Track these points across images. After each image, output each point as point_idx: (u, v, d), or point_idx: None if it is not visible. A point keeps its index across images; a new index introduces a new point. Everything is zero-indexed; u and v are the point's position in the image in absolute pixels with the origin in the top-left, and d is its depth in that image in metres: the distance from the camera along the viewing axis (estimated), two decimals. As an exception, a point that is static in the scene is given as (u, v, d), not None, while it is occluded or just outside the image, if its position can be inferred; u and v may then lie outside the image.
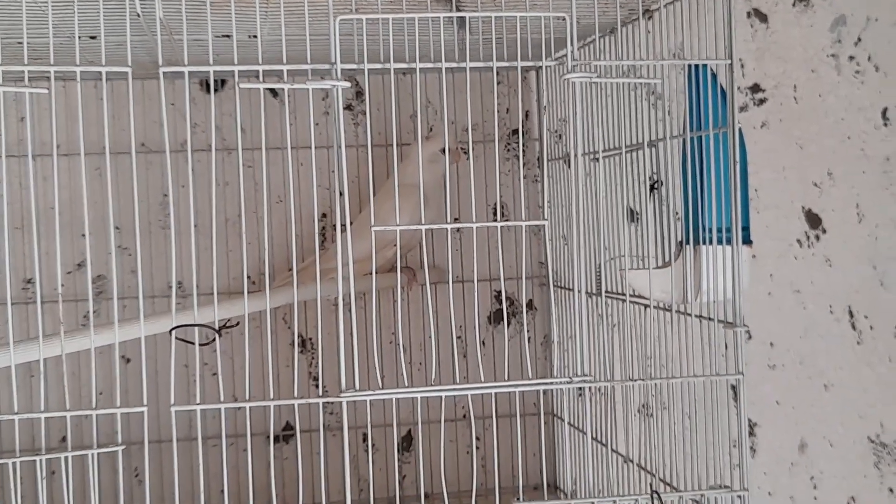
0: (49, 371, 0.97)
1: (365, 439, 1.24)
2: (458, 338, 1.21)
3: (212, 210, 0.82)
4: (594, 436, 0.92)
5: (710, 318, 0.88)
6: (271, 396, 0.82)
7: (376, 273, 1.14)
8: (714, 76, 0.87)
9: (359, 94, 1.23)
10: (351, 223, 1.12)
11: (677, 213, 0.93)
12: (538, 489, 1.23)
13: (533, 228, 1.22)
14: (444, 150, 1.15)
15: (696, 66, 0.87)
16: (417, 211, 1.07)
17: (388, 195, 1.03)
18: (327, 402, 1.23)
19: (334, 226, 0.95)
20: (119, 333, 0.83)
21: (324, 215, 1.21)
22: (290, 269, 1.11)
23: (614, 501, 0.87)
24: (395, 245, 1.10)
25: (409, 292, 1.20)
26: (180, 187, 1.13)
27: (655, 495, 0.85)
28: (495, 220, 1.19)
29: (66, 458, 0.80)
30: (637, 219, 0.99)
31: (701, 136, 0.87)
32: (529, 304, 1.26)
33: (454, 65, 0.82)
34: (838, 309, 1.24)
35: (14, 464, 0.80)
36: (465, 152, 1.14)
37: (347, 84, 0.80)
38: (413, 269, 1.16)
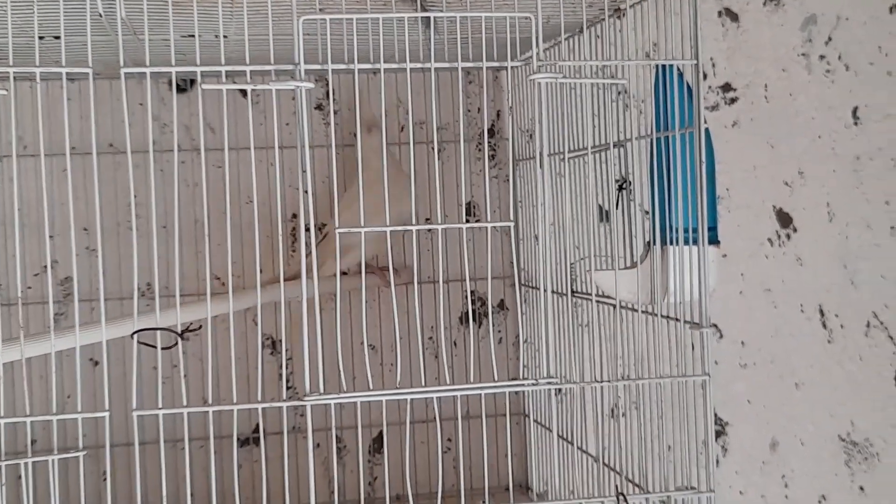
0: (16, 375, 0.96)
1: (339, 440, 1.24)
2: (430, 338, 1.21)
3: (175, 211, 0.82)
4: (563, 435, 0.92)
5: (677, 319, 0.87)
6: (235, 400, 0.82)
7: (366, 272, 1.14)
8: (681, 76, 0.87)
9: (329, 93, 1.23)
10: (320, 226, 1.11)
11: (647, 212, 0.93)
12: (508, 490, 1.23)
13: (504, 228, 1.22)
14: (369, 129, 1.11)
15: (664, 66, 0.87)
16: (397, 207, 1.05)
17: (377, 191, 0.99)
18: (296, 405, 1.22)
19: (307, 227, 0.94)
20: (81, 337, 0.83)
21: (294, 216, 1.21)
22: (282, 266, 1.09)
23: (580, 503, 0.86)
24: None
25: (380, 293, 1.20)
26: (148, 189, 1.12)
27: (621, 497, 0.85)
28: (464, 221, 1.19)
29: (26, 463, 0.80)
30: (609, 218, 0.99)
31: (668, 137, 0.87)
32: (501, 305, 1.26)
33: (419, 65, 0.81)
34: (809, 308, 1.24)
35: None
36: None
37: (311, 85, 0.79)
38: (384, 271, 1.15)
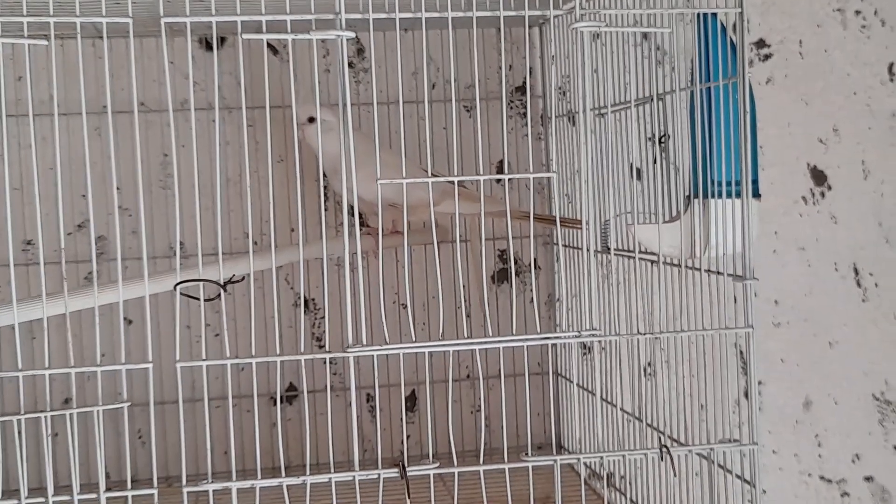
0: (51, 332, 0.96)
1: (369, 399, 1.24)
2: (463, 297, 1.21)
3: (216, 170, 0.82)
4: (592, 391, 0.92)
5: (718, 273, 0.87)
6: (279, 352, 0.82)
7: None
8: (724, 28, 0.86)
9: (360, 51, 1.22)
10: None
11: (678, 170, 0.92)
12: (542, 448, 1.23)
13: (537, 187, 1.21)
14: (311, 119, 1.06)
15: (705, 17, 0.86)
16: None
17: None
18: (331, 363, 1.22)
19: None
20: (123, 292, 0.83)
21: (325, 174, 1.21)
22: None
23: (623, 456, 0.87)
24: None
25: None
26: (181, 147, 1.11)
27: (664, 449, 0.85)
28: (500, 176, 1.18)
29: (70, 414, 0.80)
30: (641, 175, 0.99)
31: (710, 88, 0.86)
32: (534, 263, 1.26)
33: (461, 14, 0.81)
34: (843, 266, 1.23)
35: (19, 421, 0.79)
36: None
37: (352, 34, 0.79)
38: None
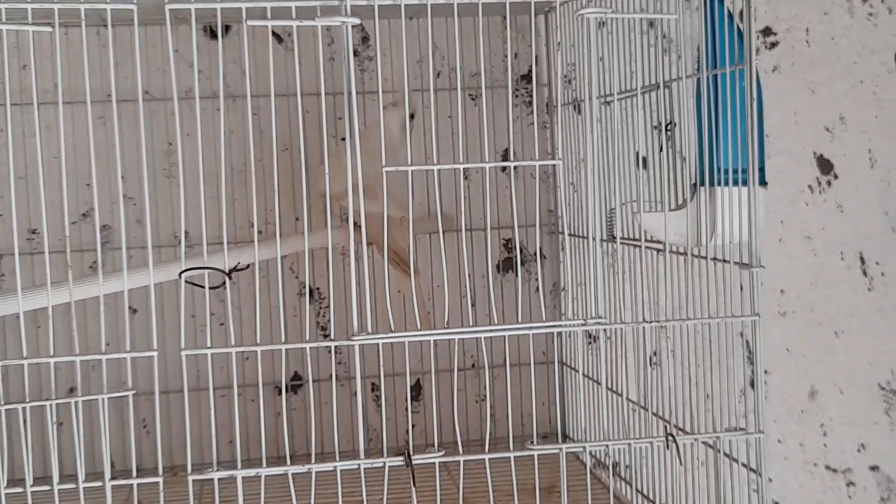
0: (55, 321, 0.96)
1: (374, 388, 1.24)
2: (466, 286, 1.21)
3: (219, 159, 0.82)
4: (599, 380, 0.92)
5: (725, 261, 0.87)
6: (283, 340, 0.81)
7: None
8: (731, 15, 0.86)
9: (364, 39, 1.22)
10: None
11: (684, 158, 0.92)
12: (547, 437, 1.23)
13: (542, 176, 1.20)
14: (412, 116, 1.09)
15: (712, 3, 0.86)
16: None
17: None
18: (336, 352, 1.22)
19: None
20: (128, 280, 0.82)
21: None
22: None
23: (629, 444, 0.86)
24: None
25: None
26: (185, 136, 1.11)
27: (670, 438, 0.85)
28: (503, 168, 1.18)
29: (76, 402, 0.80)
30: (646, 164, 0.98)
31: (716, 76, 0.86)
32: (538, 252, 1.25)
33: (467, 1, 0.80)
34: (850, 255, 1.23)
35: (24, 409, 0.79)
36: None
37: (357, 21, 0.78)
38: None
